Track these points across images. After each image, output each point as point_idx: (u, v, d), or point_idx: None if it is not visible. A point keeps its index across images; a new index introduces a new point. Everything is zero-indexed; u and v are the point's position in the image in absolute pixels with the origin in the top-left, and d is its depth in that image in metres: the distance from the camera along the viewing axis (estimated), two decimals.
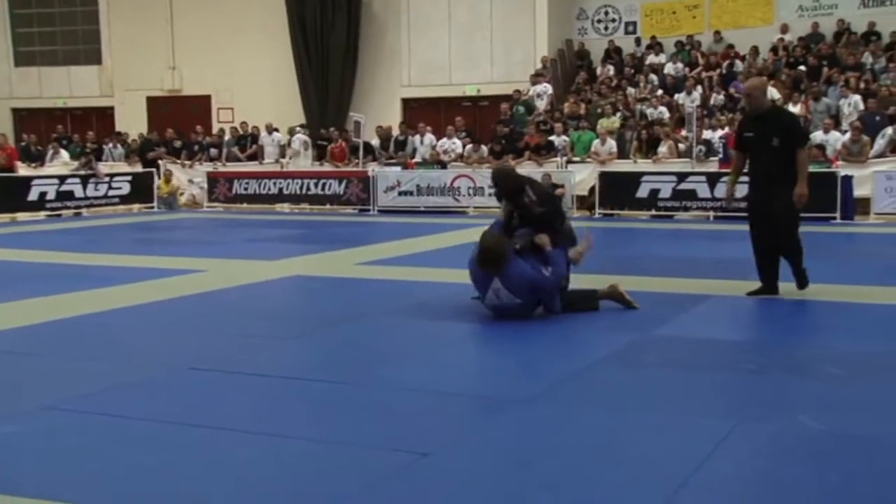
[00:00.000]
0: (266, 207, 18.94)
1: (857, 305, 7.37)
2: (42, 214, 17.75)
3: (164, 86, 26.25)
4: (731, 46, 21.55)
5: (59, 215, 17.86)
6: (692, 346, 5.95)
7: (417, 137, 19.74)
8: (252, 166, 20.51)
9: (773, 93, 16.26)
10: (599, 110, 19.17)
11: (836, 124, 17.03)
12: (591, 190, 16.74)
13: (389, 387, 4.96)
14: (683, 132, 17.72)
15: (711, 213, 15.65)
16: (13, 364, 5.68)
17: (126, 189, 19.05)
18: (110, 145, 21.99)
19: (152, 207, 19.13)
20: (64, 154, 21.03)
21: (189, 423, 4.32)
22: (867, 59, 19.57)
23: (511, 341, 6.19)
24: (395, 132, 20.46)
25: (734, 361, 5.55)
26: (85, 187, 18.35)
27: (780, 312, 7.23)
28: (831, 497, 3.44)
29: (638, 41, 22.91)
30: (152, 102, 26.52)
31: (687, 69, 21.17)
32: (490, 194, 15.02)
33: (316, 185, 18.65)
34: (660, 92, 20.12)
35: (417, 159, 19.17)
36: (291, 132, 20.90)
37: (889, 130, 16.08)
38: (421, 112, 23.13)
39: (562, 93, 21.53)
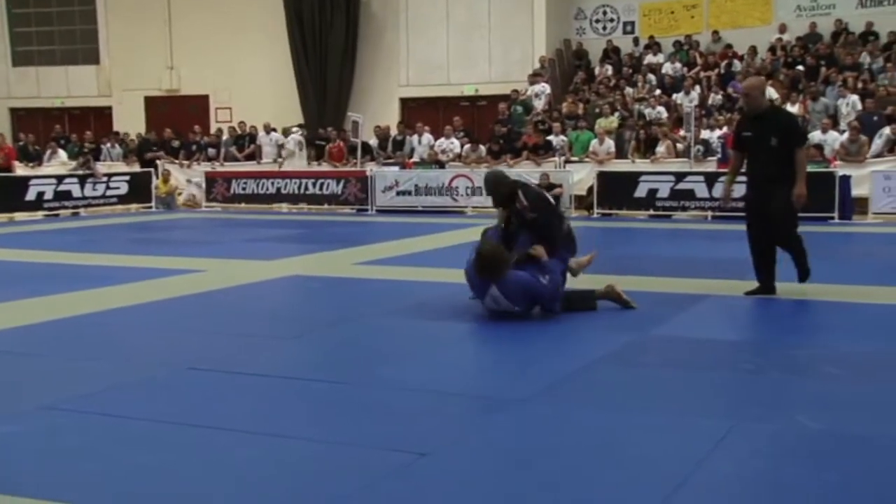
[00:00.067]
0: (264, 207, 18.94)
1: (856, 305, 7.38)
2: (40, 214, 17.73)
3: (162, 85, 26.25)
4: (729, 46, 21.59)
5: (56, 215, 17.85)
6: (691, 345, 5.96)
7: (415, 137, 19.74)
8: (250, 166, 20.51)
9: (772, 93, 16.27)
10: (597, 110, 19.17)
11: (834, 124, 17.05)
12: (590, 190, 16.75)
13: (389, 387, 4.96)
14: (681, 132, 17.73)
15: (709, 213, 15.66)
16: (12, 364, 5.68)
17: (124, 189, 19.04)
18: (108, 145, 21.97)
19: (150, 207, 19.12)
20: (62, 154, 21.00)
21: (189, 423, 4.32)
22: (865, 58, 19.61)
23: (510, 341, 6.20)
24: (394, 132, 20.47)
25: (733, 361, 5.56)
26: (83, 187, 18.33)
27: (778, 312, 7.24)
28: (830, 497, 3.45)
29: (636, 41, 22.93)
30: (150, 102, 26.52)
31: (685, 69, 21.19)
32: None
33: (314, 184, 18.66)
34: (658, 92, 20.14)
35: (415, 159, 19.18)
36: (286, 133, 20.90)
37: (887, 130, 16.10)
38: (419, 112, 23.14)
39: (560, 92, 21.53)
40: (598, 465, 3.80)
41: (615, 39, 23.15)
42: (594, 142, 17.79)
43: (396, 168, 18.72)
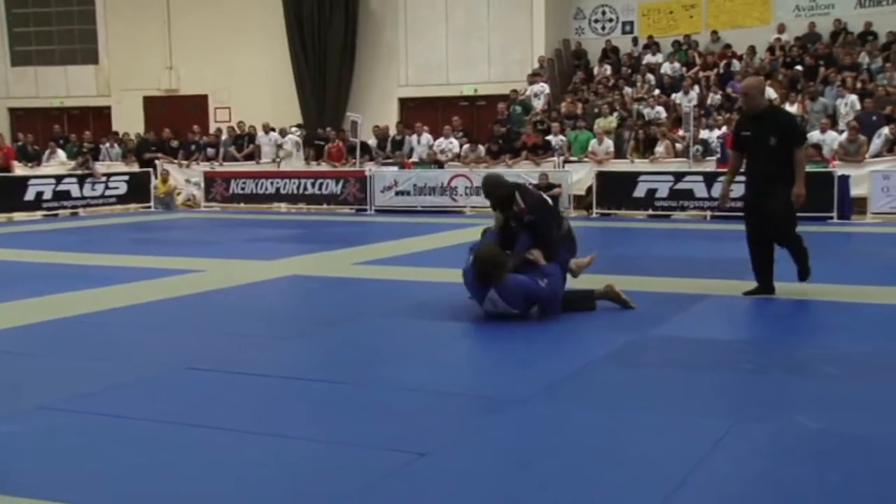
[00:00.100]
0: (263, 207, 18.94)
1: (855, 305, 7.38)
2: (39, 214, 17.73)
3: (161, 85, 26.24)
4: (728, 46, 21.59)
5: (55, 215, 17.84)
6: (690, 345, 5.96)
7: (414, 137, 19.74)
8: (249, 166, 20.51)
9: (771, 92, 16.27)
10: (596, 110, 19.18)
11: (833, 124, 17.06)
12: (588, 189, 16.75)
13: (389, 387, 4.96)
14: (680, 132, 17.73)
15: (708, 213, 15.67)
16: (11, 364, 5.67)
17: (123, 189, 19.03)
18: (107, 145, 21.95)
19: (149, 207, 19.11)
20: (61, 154, 20.99)
21: (189, 423, 4.32)
22: (864, 58, 19.62)
23: (509, 341, 6.19)
24: (392, 132, 20.46)
25: (732, 361, 5.56)
26: (82, 187, 18.33)
27: (777, 312, 7.24)
28: (830, 497, 3.45)
29: (635, 41, 22.94)
30: (149, 102, 26.51)
31: (684, 69, 21.19)
32: None
33: (313, 184, 18.66)
34: (657, 92, 20.14)
35: (414, 159, 19.17)
36: (283, 133, 20.90)
37: (885, 130, 16.11)
38: (418, 112, 23.14)
39: (559, 92, 21.54)
40: (598, 465, 3.80)
41: (614, 39, 23.16)
42: (593, 142, 17.79)
43: (395, 168, 18.72)
